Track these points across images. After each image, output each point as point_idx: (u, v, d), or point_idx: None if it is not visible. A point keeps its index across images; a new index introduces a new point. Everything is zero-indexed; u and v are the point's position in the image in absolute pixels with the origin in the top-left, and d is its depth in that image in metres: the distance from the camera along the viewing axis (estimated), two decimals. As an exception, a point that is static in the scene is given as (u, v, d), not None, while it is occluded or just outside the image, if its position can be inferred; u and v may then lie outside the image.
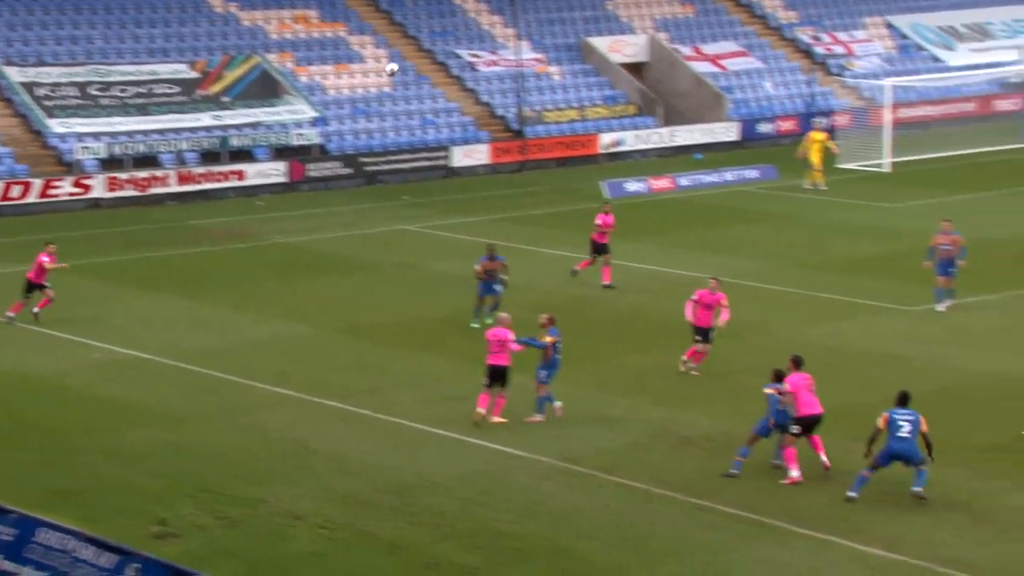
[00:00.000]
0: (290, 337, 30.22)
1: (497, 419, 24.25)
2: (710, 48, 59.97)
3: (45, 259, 30.80)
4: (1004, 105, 58.10)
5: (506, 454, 23.02)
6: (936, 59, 62.11)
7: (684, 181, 48.22)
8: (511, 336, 24.25)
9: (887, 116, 50.41)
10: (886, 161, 49.20)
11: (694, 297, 26.60)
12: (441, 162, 51.56)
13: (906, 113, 56.73)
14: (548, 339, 24.25)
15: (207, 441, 23.78)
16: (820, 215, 42.25)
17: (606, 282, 33.44)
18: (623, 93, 57.13)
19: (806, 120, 54.24)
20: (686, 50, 59.35)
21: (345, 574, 18.64)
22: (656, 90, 57.85)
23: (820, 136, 46.97)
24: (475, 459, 22.89)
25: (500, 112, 54.81)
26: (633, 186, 47.66)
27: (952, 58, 62.01)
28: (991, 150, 51.45)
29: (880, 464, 20.56)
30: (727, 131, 55.77)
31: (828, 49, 61.45)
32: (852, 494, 20.58)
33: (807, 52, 61.11)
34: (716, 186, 47.88)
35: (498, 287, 30.17)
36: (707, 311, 26.48)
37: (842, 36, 62.35)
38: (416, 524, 20.20)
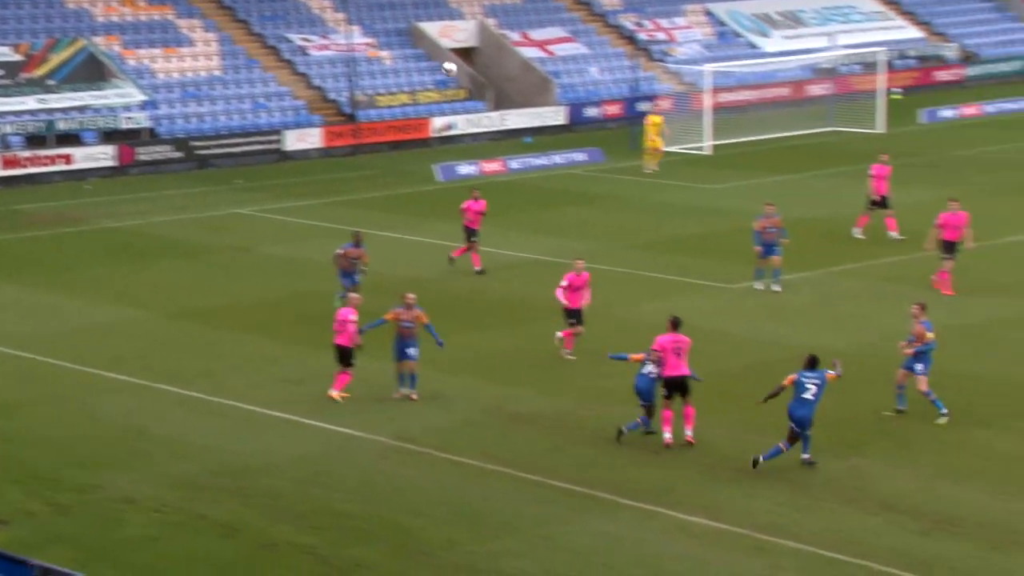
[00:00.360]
0: (122, 322, 29.52)
1: (337, 394, 24.03)
2: (537, 34, 60.24)
3: None
4: (815, 90, 59.39)
5: (342, 434, 22.82)
6: (752, 46, 63.27)
7: (515, 164, 48.37)
8: (352, 316, 24.04)
9: (707, 101, 51.17)
10: (707, 144, 49.97)
11: (564, 284, 26.52)
12: (274, 146, 50.88)
13: (725, 98, 57.61)
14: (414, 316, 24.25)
15: (38, 428, 23.10)
16: (646, 196, 42.73)
17: (477, 268, 33.04)
18: (453, 78, 57.00)
19: (631, 104, 54.80)
20: (514, 36, 59.54)
21: (179, 557, 18.27)
22: (486, 75, 57.91)
23: (658, 119, 47.49)
24: (311, 440, 22.64)
25: (332, 96, 54.28)
26: (465, 169, 47.64)
27: (767, 45, 63.25)
28: (804, 133, 52.61)
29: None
30: (555, 115, 56.08)
31: (651, 36, 62.19)
32: (759, 456, 20.76)
33: (631, 38, 61.76)
34: (546, 169, 48.11)
35: (358, 277, 29.59)
36: (577, 293, 26.48)
37: (664, 23, 63.18)
38: (252, 506, 19.90)
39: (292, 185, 45.78)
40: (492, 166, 48.03)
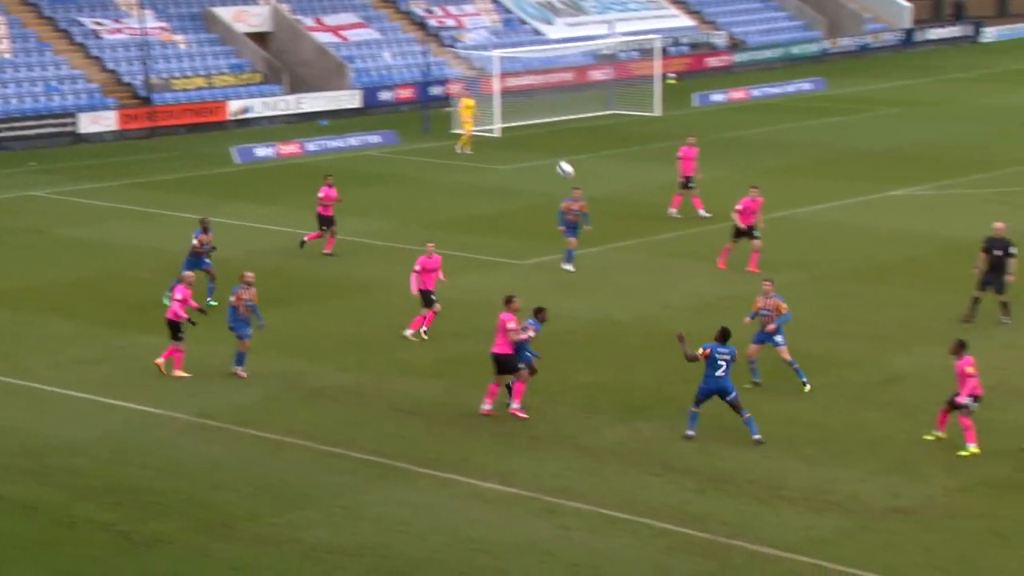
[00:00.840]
0: (-85, 306, 28.30)
1: (178, 372, 23.93)
2: (331, 19, 59.73)
3: None
4: (597, 75, 60.27)
5: (142, 412, 22.35)
6: (537, 32, 63.90)
7: (312, 146, 47.89)
8: (179, 296, 23.98)
9: (496, 85, 51.46)
10: (496, 127, 50.27)
11: (416, 268, 26.24)
12: (68, 128, 49.31)
13: (513, 82, 58.04)
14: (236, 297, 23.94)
15: None
16: (440, 177, 42.79)
17: (327, 251, 32.25)
18: (248, 62, 56.15)
19: (423, 88, 54.77)
20: (308, 21, 58.90)
21: (-20, 539, 17.66)
22: (281, 59, 57.13)
23: (471, 102, 47.40)
24: (112, 419, 22.12)
25: (127, 79, 52.89)
26: (262, 151, 46.98)
27: (551, 32, 63.95)
28: (587, 116, 53.38)
29: (700, 400, 20.71)
30: (350, 99, 55.69)
31: (440, 22, 62.27)
32: (690, 433, 20.75)
33: (421, 24, 61.69)
34: (342, 151, 47.78)
35: (207, 262, 28.63)
36: (430, 275, 26.25)
37: (452, 10, 63.34)
38: (51, 485, 19.36)
39: (87, 167, 44.49)
40: (289, 148, 47.47)
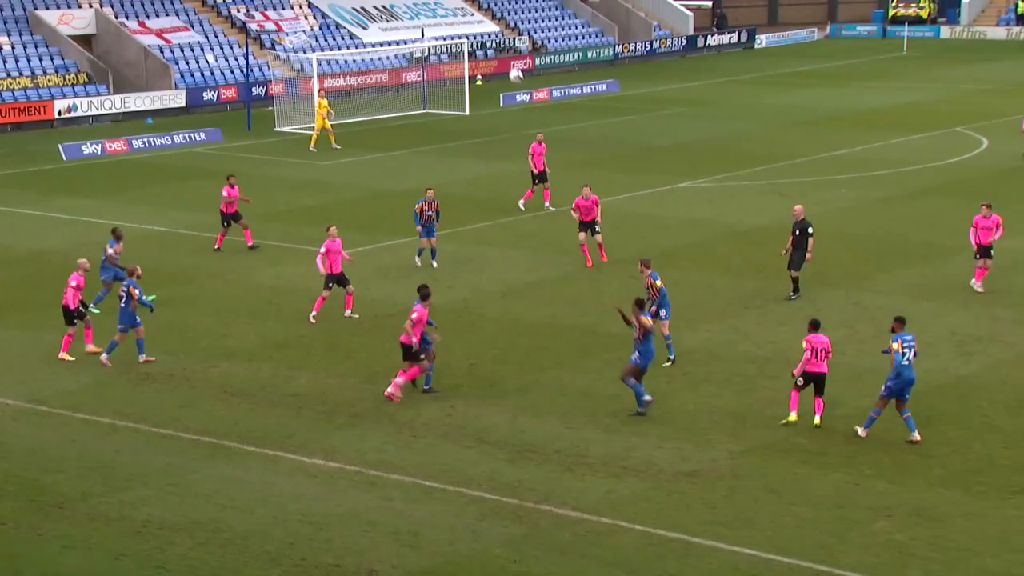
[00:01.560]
0: None
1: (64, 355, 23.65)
2: (154, 23, 58.19)
3: None
4: (411, 76, 60.14)
5: (-27, 401, 21.43)
6: (353, 36, 63.39)
7: (138, 143, 46.58)
8: (74, 283, 23.59)
9: (315, 85, 50.87)
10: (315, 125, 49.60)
11: (322, 250, 25.50)
12: None
13: (331, 83, 57.56)
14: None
15: None
16: (264, 172, 42.09)
17: (250, 244, 31.15)
18: (73, 63, 54.31)
19: (246, 89, 53.79)
20: (132, 24, 57.27)
21: None
22: (105, 60, 55.45)
23: (324, 102, 46.58)
24: (-58, 408, 21.16)
25: (-47, 79, 50.71)
26: (89, 148, 45.51)
27: (366, 36, 63.52)
28: (402, 115, 53.17)
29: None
30: (175, 98, 54.37)
31: (261, 26, 61.25)
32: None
33: (243, 28, 60.55)
34: (167, 148, 46.60)
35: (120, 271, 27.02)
36: (336, 257, 25.55)
37: (272, 15, 62.38)
38: None
39: (-85, 165, 42.45)
40: (115, 145, 46.08)
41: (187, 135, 47.90)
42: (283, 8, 63.27)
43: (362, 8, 65.53)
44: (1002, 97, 45.41)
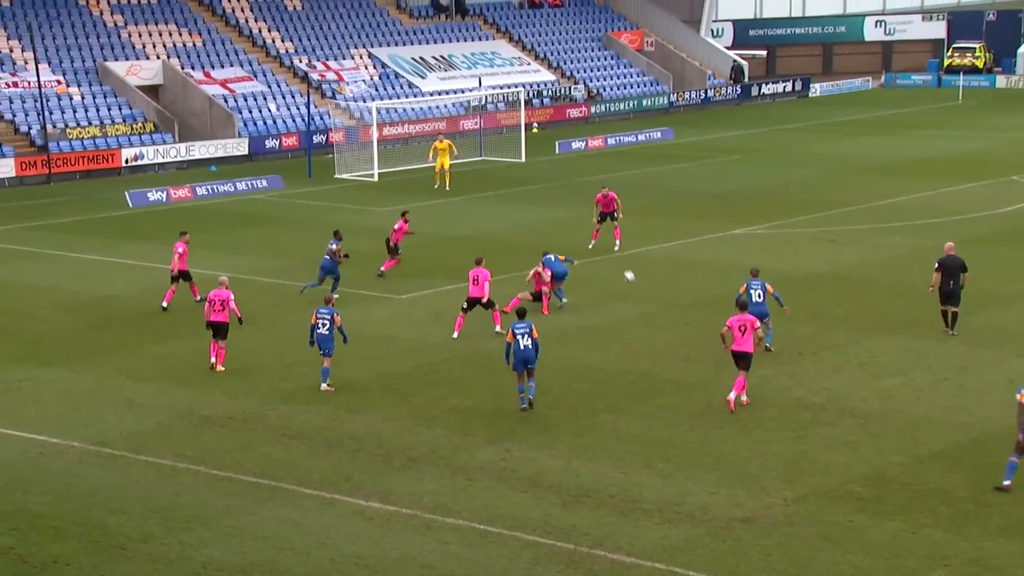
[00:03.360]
0: None
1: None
2: (219, 73, 59.06)
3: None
4: (468, 124, 60.56)
5: (39, 442, 21.68)
6: (412, 85, 63.96)
7: (201, 190, 47.16)
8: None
9: (374, 133, 51.39)
10: (375, 171, 50.10)
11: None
12: (-32, 175, 47.97)
13: (390, 131, 58.08)
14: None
15: None
16: (324, 219, 42.42)
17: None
18: (141, 112, 55.24)
19: (306, 137, 54.39)
20: (197, 74, 58.17)
21: None
22: (171, 110, 56.34)
23: (444, 144, 47.39)
24: (9, 450, 21.41)
25: (23, 129, 51.69)
26: (154, 196, 46.15)
27: (424, 85, 64.08)
28: (459, 162, 53.46)
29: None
30: (238, 146, 55.06)
31: (322, 76, 61.97)
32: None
33: (304, 78, 61.30)
34: (230, 195, 47.14)
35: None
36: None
37: (333, 64, 63.12)
38: (-49, 513, 18.63)
39: (-13, 211, 43.25)
40: (180, 192, 46.68)
41: (249, 182, 48.44)
42: (344, 58, 64.04)
43: (420, 58, 66.18)
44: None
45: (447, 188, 46.64)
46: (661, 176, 50.00)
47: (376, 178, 49.85)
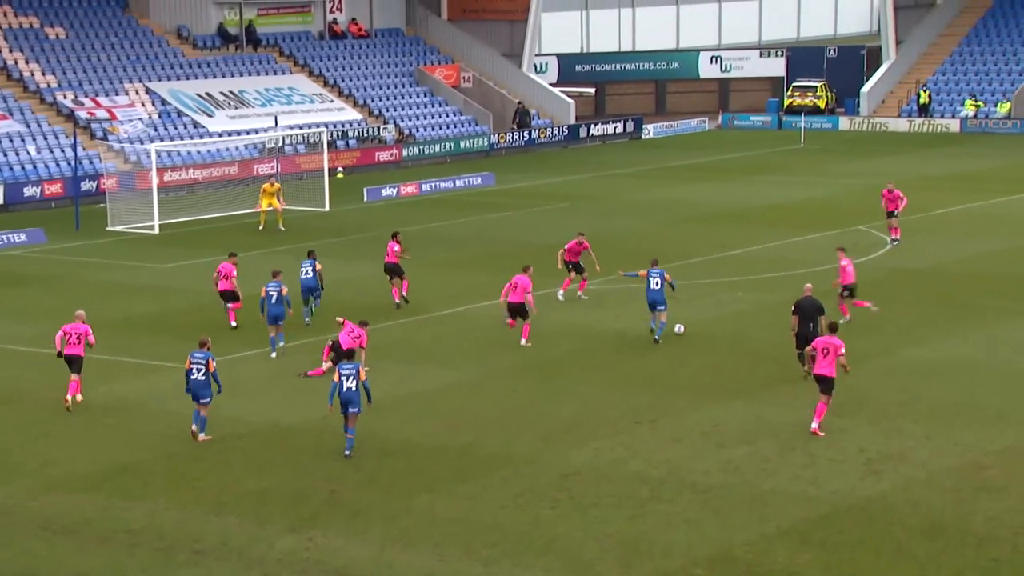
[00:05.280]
0: None
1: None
2: (-31, 110, 57.43)
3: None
4: (263, 169, 60.04)
5: None
6: (197, 124, 63.27)
7: (-54, 246, 45.58)
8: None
9: (154, 179, 50.58)
10: (155, 223, 49.26)
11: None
12: None
13: (172, 176, 57.29)
14: None
15: None
16: (91, 276, 41.49)
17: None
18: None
19: (73, 183, 53.20)
20: (-56, 111, 56.41)
21: None
22: (-88, 151, 54.41)
23: (272, 188, 49.05)
24: None
25: None
26: None
27: (212, 124, 63.48)
28: (253, 211, 52.94)
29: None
30: (-9, 194, 53.50)
31: (91, 113, 60.81)
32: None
33: (70, 116, 60.04)
34: (-19, 250, 45.69)
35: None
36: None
37: (104, 101, 62.00)
38: None
39: None
40: (-78, 248, 45.03)
41: (5, 236, 47.10)
42: (117, 94, 62.96)
43: (207, 94, 65.55)
44: (907, 193, 46.99)
45: (280, 227, 48.71)
46: (481, 226, 50.48)
47: (156, 230, 49.03)
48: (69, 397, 27.34)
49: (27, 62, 62.19)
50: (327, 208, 53.63)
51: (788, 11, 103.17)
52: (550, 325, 34.45)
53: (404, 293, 36.42)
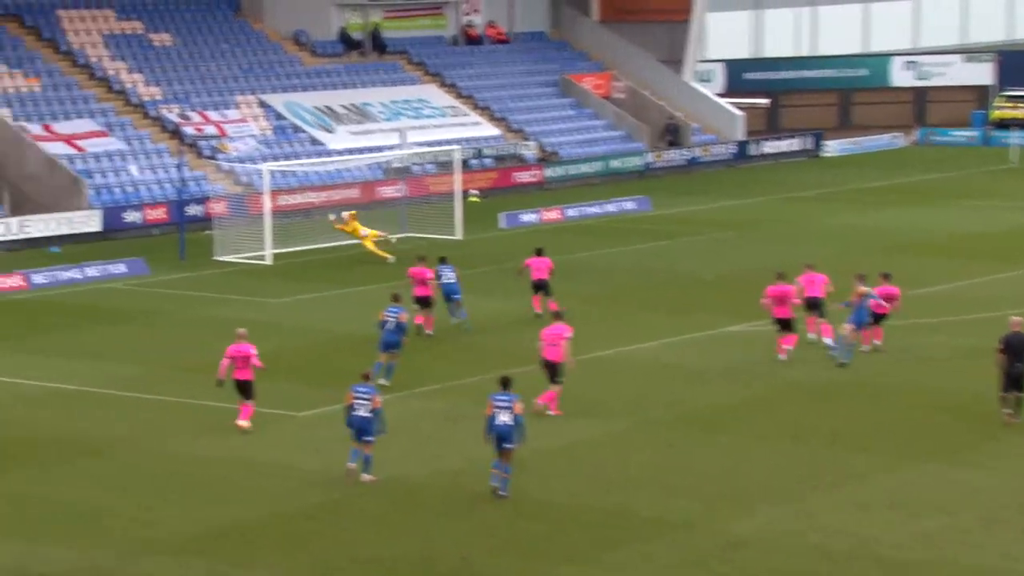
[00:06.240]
0: None
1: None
2: (63, 127, 59.03)
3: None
4: (387, 192, 60.71)
5: None
6: (315, 141, 64.22)
7: (39, 279, 46.92)
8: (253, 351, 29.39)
9: (267, 203, 51.33)
10: (268, 252, 50.06)
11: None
12: None
13: (287, 200, 58.16)
14: None
15: None
16: (198, 312, 42.33)
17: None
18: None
19: (178, 208, 54.39)
20: (35, 128, 58.11)
21: None
22: (1, 174, 56.18)
23: (343, 224, 50.05)
24: None
25: None
26: (-24, 284, 45.90)
27: (332, 141, 64.32)
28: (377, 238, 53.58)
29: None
30: (88, 221, 54.90)
31: (199, 129, 62.00)
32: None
33: (175, 132, 61.43)
34: (78, 283, 46.95)
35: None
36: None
37: (213, 115, 63.13)
38: None
39: None
40: (10, 281, 46.38)
41: (102, 267, 48.30)
42: (227, 107, 64.22)
43: (327, 107, 66.59)
44: None
45: (390, 259, 49.08)
46: (634, 256, 50.45)
47: (269, 260, 49.88)
48: (241, 422, 29.63)
49: (129, 72, 63.73)
50: (459, 236, 54.06)
51: (997, 8, 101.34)
52: (718, 371, 34.27)
53: (552, 308, 36.83)
